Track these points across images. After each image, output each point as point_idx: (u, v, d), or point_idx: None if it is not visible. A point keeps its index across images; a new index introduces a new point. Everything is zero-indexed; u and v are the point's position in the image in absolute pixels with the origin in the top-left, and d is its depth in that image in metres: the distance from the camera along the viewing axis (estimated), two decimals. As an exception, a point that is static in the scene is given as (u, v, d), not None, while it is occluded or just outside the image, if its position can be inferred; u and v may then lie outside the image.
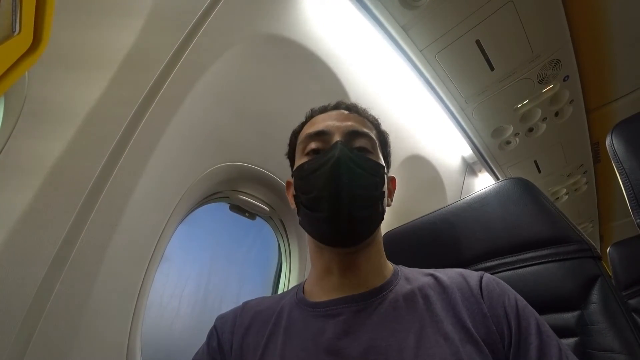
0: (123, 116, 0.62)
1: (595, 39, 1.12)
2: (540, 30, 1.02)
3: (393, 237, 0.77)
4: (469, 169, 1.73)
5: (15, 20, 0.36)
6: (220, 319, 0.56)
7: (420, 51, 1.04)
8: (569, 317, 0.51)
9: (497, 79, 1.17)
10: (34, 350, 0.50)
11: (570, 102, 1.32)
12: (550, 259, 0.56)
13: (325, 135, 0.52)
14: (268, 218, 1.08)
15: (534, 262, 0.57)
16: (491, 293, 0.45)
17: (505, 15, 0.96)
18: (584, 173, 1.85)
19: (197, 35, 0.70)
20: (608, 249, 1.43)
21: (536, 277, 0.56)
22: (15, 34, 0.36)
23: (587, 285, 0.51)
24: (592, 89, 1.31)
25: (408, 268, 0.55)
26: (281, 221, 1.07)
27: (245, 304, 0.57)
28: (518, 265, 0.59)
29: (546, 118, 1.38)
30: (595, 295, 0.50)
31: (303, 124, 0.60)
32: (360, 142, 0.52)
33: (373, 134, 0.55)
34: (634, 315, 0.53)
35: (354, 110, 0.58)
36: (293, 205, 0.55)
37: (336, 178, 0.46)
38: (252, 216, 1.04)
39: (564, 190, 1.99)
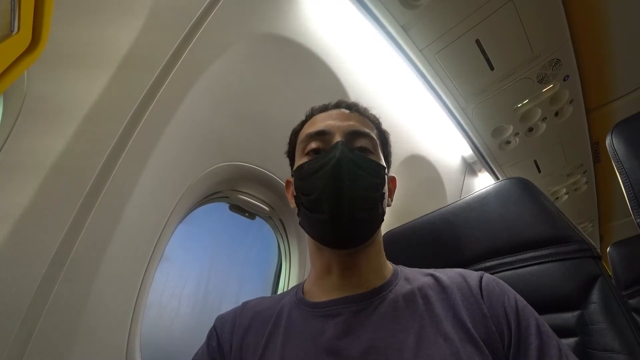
0: (122, 115, 0.62)
1: (595, 39, 1.11)
2: (540, 29, 1.02)
3: (393, 237, 0.77)
4: (469, 168, 1.73)
5: (14, 19, 0.36)
6: (220, 319, 0.56)
7: (420, 51, 1.04)
8: (569, 317, 0.51)
9: (497, 79, 1.17)
10: (33, 350, 0.50)
11: (570, 102, 1.32)
12: (550, 259, 0.56)
13: (326, 135, 0.52)
14: (268, 218, 1.08)
15: (534, 262, 0.57)
16: (491, 293, 0.45)
17: (505, 14, 0.95)
18: (584, 173, 1.85)
19: (197, 35, 0.70)
20: (608, 249, 1.44)
21: (536, 277, 0.56)
22: (14, 33, 0.36)
23: (587, 285, 0.51)
24: (592, 89, 1.31)
25: (408, 268, 0.55)
26: (281, 221, 1.07)
27: (245, 304, 0.57)
28: (518, 265, 0.59)
29: (546, 118, 1.38)
30: (595, 295, 0.50)
31: (303, 123, 0.60)
32: (361, 143, 0.52)
33: (374, 134, 0.55)
34: (634, 315, 0.53)
35: (355, 109, 0.57)
36: (293, 205, 0.55)
37: (337, 179, 0.45)
38: (251, 216, 1.04)
39: (564, 190, 1.99)
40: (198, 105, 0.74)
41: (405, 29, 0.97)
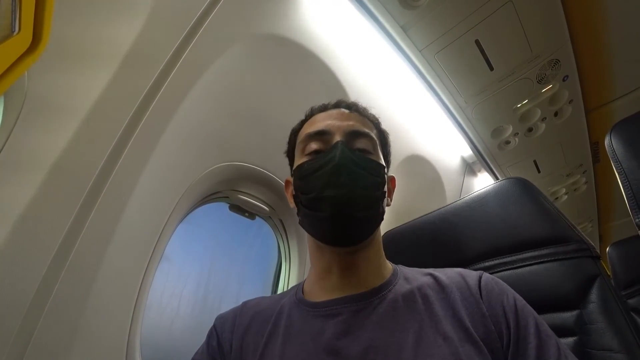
0: (123, 115, 0.62)
1: (594, 39, 1.12)
2: (540, 30, 1.03)
3: (392, 237, 0.77)
4: (469, 168, 1.73)
5: (15, 20, 0.36)
6: (220, 318, 0.56)
7: (420, 51, 1.04)
8: (568, 316, 0.52)
9: (497, 79, 1.17)
10: (33, 350, 0.50)
11: (569, 102, 1.33)
12: (549, 259, 0.56)
13: (326, 135, 0.52)
14: (267, 218, 1.08)
15: (533, 262, 0.57)
16: (490, 293, 0.45)
17: (505, 15, 0.96)
18: (583, 173, 1.85)
19: (197, 35, 0.70)
20: (607, 249, 1.44)
21: (535, 276, 0.56)
22: (15, 33, 0.36)
23: (586, 285, 0.52)
24: (591, 89, 1.31)
25: (407, 268, 0.55)
26: (281, 221, 1.07)
27: (245, 303, 0.57)
28: (517, 265, 0.59)
29: (545, 118, 1.38)
30: (594, 295, 0.51)
31: (303, 123, 0.60)
32: (361, 143, 0.52)
33: (374, 134, 0.55)
34: (633, 314, 0.53)
35: (355, 109, 0.57)
36: (292, 204, 0.55)
37: (337, 179, 0.46)
38: (251, 216, 1.04)
39: (564, 190, 1.99)
40: (198, 104, 0.74)
41: (404, 29, 0.98)
